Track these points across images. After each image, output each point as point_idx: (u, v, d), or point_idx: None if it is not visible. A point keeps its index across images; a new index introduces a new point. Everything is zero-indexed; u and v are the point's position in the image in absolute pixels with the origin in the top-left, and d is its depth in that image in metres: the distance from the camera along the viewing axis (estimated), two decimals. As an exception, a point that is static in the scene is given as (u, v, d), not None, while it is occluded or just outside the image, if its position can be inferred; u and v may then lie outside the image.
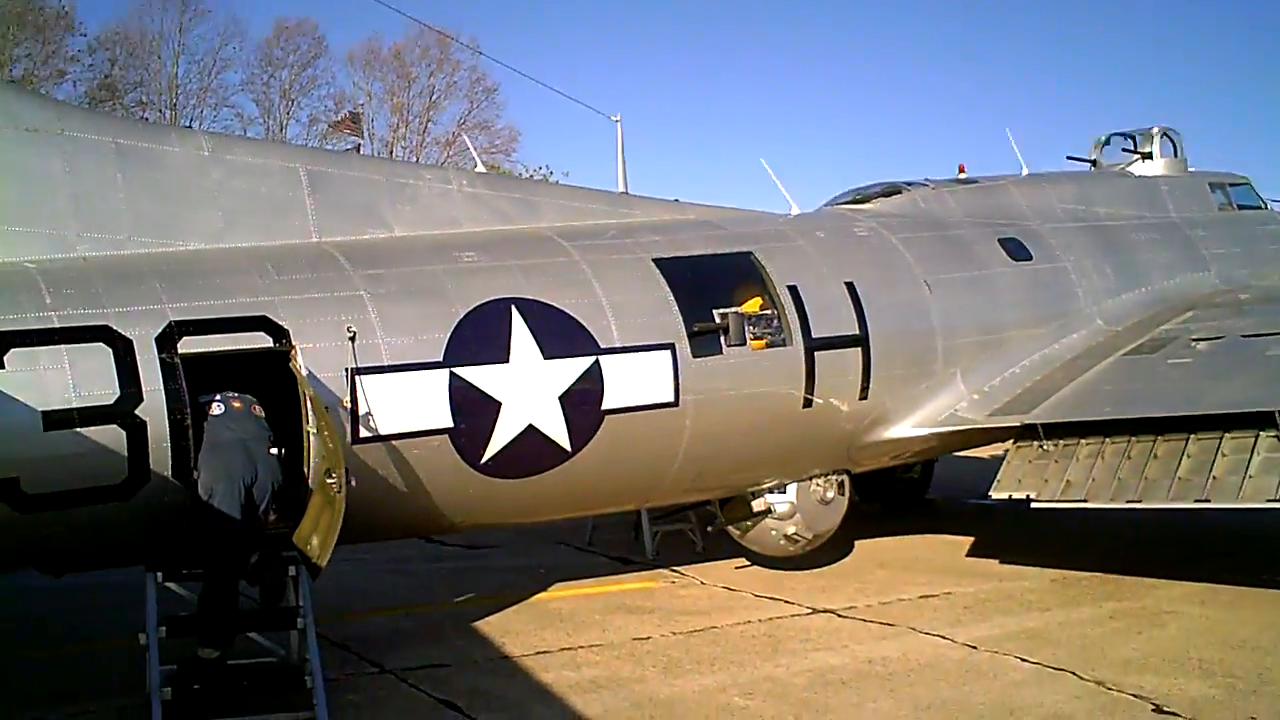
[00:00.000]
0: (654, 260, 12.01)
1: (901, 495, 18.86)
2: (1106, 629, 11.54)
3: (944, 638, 11.35)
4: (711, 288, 12.34)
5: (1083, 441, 12.84)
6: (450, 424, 10.32)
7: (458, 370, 10.37)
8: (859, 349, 13.04)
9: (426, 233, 11.30)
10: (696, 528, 15.33)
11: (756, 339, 12.45)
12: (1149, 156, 18.49)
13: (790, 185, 14.73)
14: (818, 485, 13.55)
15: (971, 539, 15.85)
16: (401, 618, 12.33)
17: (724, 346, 12.00)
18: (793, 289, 12.70)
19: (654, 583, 14.00)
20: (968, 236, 15.05)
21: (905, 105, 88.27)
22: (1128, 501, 12.16)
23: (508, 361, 10.65)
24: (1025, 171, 17.11)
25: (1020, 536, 15.07)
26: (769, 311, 12.58)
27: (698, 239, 12.73)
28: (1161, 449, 12.29)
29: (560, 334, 10.98)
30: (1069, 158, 18.90)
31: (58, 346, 9.05)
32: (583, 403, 11.01)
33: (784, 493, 13.44)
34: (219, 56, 53.65)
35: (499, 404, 10.56)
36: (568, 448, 10.98)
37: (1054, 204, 16.55)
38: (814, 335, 12.69)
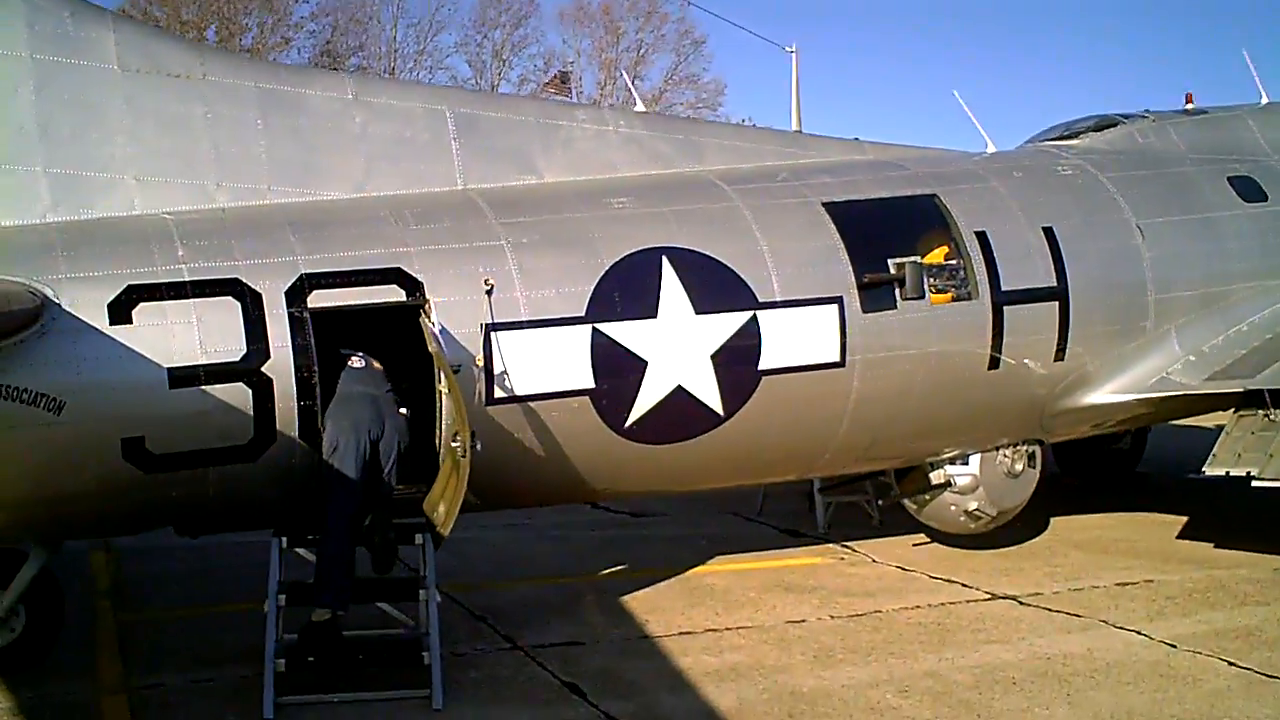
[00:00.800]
0: (824, 205, 10.89)
1: (1108, 468, 17.17)
2: (1335, 629, 10.01)
3: (1139, 633, 10.04)
4: (887, 234, 11.14)
5: None
6: (591, 384, 9.54)
7: (601, 326, 9.56)
8: (1056, 303, 11.62)
9: (579, 178, 10.46)
10: (873, 499, 14.18)
11: (937, 292, 11.21)
12: None
13: (990, 126, 13.26)
14: (1005, 456, 12.24)
15: (1185, 519, 14.25)
16: (548, 589, 11.72)
17: (899, 300, 10.81)
18: (981, 235, 11.37)
19: (821, 558, 13.01)
20: (1191, 175, 13.30)
21: (1125, 31, 79.09)
22: (1370, 483, 10.49)
23: (656, 317, 9.78)
24: (1265, 100, 15.06)
25: (1245, 518, 13.39)
26: (953, 261, 11.31)
27: (875, 180, 11.52)
28: None
29: (714, 286, 10.03)
30: None
31: (187, 300, 8.66)
32: (737, 362, 10.06)
33: (966, 464, 12.18)
34: (435, 19, 54.05)
35: (645, 363, 9.71)
36: (720, 411, 10.07)
37: (1294, 137, 14.50)
38: (1004, 288, 11.34)
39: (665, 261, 9.89)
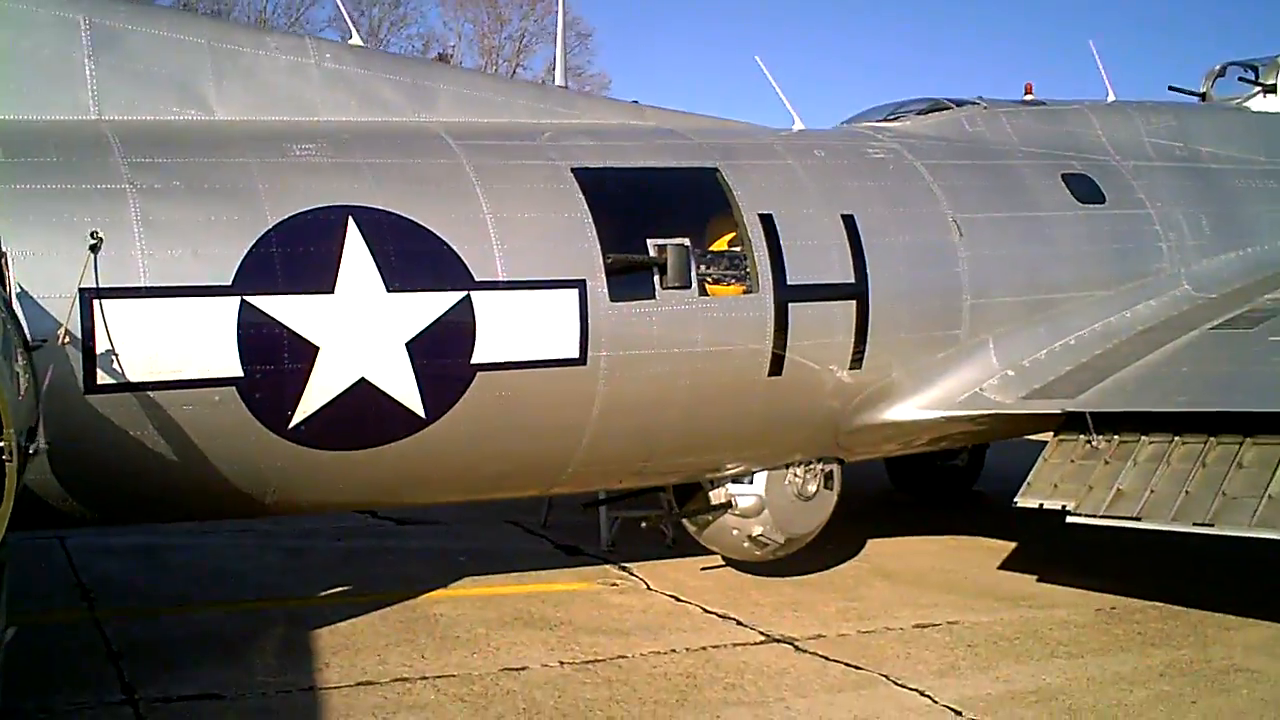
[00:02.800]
0: (574, 170, 8.85)
1: (942, 485, 15.48)
2: (1152, 692, 8.32)
3: (922, 694, 8.22)
4: (651, 210, 9.21)
5: (1145, 439, 9.51)
6: (239, 372, 7.37)
7: (254, 300, 7.41)
8: (853, 303, 9.75)
9: (264, 118, 8.29)
10: (667, 515, 12.17)
11: (710, 282, 9.29)
12: (1272, 90, 14.62)
13: (807, 109, 11.33)
14: (796, 476, 10.36)
15: (1011, 545, 12.65)
16: (237, 616, 9.50)
17: (658, 289, 8.82)
18: (766, 219, 9.45)
19: (588, 583, 10.98)
20: (1021, 169, 11.58)
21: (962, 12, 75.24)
22: (1196, 525, 8.81)
23: (332, 291, 7.65)
24: (1111, 97, 13.44)
25: (1075, 548, 11.70)
26: (730, 247, 9.39)
27: (645, 148, 9.53)
28: (1250, 455, 8.92)
29: (416, 258, 7.95)
30: (1171, 89, 15.14)
31: None
32: (442, 353, 7.99)
33: (751, 483, 10.27)
34: (309, -10, 51.06)
35: (315, 348, 7.59)
36: (420, 412, 7.98)
37: (1142, 137, 12.93)
38: (790, 281, 9.43)
39: (351, 224, 7.78)
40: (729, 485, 10.31)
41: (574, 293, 8.47)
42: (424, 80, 9.08)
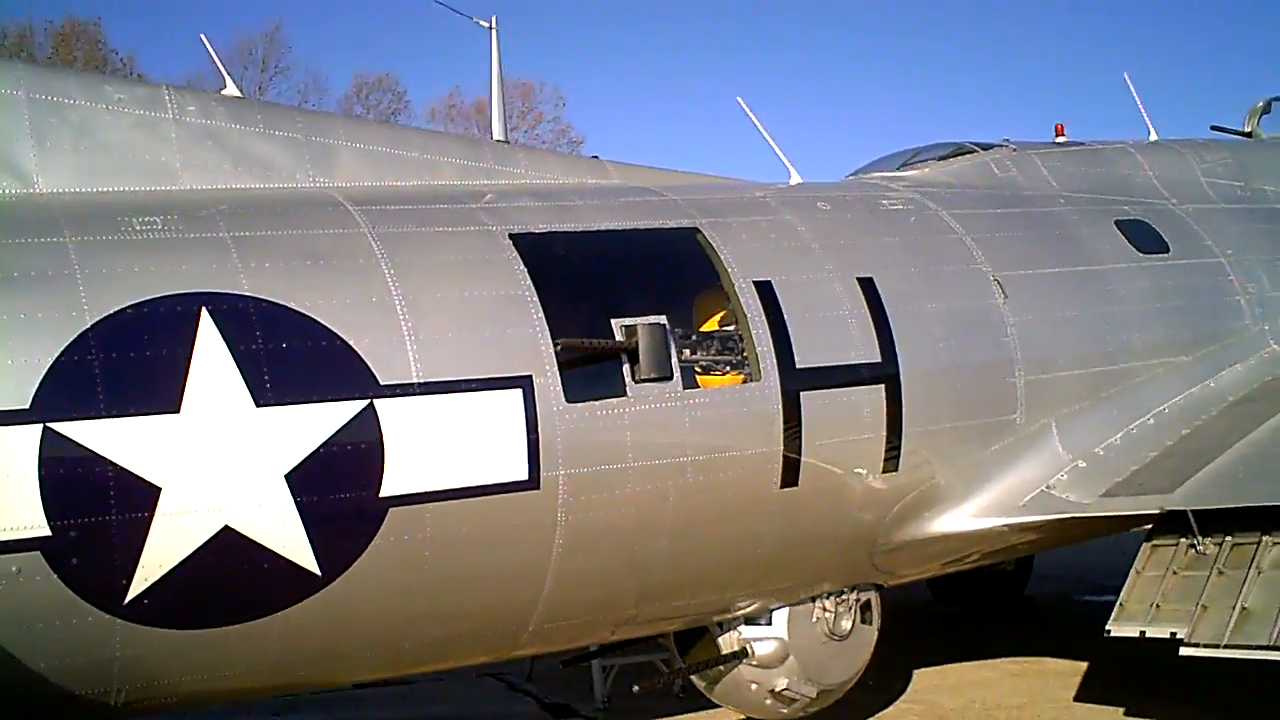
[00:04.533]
0: (512, 236, 6.80)
1: (990, 594, 13.14)
2: None
3: None
4: (615, 283, 7.13)
5: (1267, 539, 7.32)
6: (45, 530, 5.21)
7: (63, 428, 5.27)
8: (881, 386, 7.61)
9: (104, 188, 6.27)
10: (672, 660, 9.77)
11: (697, 370, 7.20)
12: (1330, 123, 12.70)
13: (803, 169, 9.31)
14: (824, 611, 8.14)
15: (1084, 666, 10.29)
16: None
17: (629, 382, 6.70)
18: (763, 287, 7.38)
19: (577, 757, 8.64)
20: (1068, 216, 9.55)
21: (983, 60, 65.98)
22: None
23: (177, 410, 5.52)
24: (1153, 136, 11.49)
25: (1163, 665, 9.39)
26: (720, 324, 7.32)
27: (604, 207, 7.50)
28: None
29: (296, 359, 5.84)
30: (1214, 128, 13.20)
31: None
32: (339, 485, 5.83)
33: (769, 624, 8.02)
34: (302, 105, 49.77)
35: (155, 490, 5.43)
36: (311, 567, 5.79)
37: (1198, 177, 10.97)
38: (800, 363, 7.31)
39: (205, 317, 5.68)
40: (741, 628, 8.07)
41: (516, 394, 6.35)
42: (318, 135, 7.07)
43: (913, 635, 11.74)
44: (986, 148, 10.16)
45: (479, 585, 6.43)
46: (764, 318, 7.27)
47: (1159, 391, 9.09)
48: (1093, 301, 9.00)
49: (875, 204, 8.71)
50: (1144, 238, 9.70)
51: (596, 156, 8.37)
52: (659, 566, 7.05)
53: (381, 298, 6.21)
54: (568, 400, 6.48)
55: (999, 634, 11.86)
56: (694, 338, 7.27)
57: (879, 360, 7.65)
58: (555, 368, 6.48)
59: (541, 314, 6.56)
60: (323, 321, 5.97)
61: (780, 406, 7.19)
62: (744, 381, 7.22)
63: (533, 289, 6.62)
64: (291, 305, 5.94)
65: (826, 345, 7.48)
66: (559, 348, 6.49)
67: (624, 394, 6.70)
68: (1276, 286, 10.24)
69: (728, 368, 7.31)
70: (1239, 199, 10.98)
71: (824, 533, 7.67)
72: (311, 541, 5.78)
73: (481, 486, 6.22)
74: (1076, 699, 9.70)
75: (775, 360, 7.22)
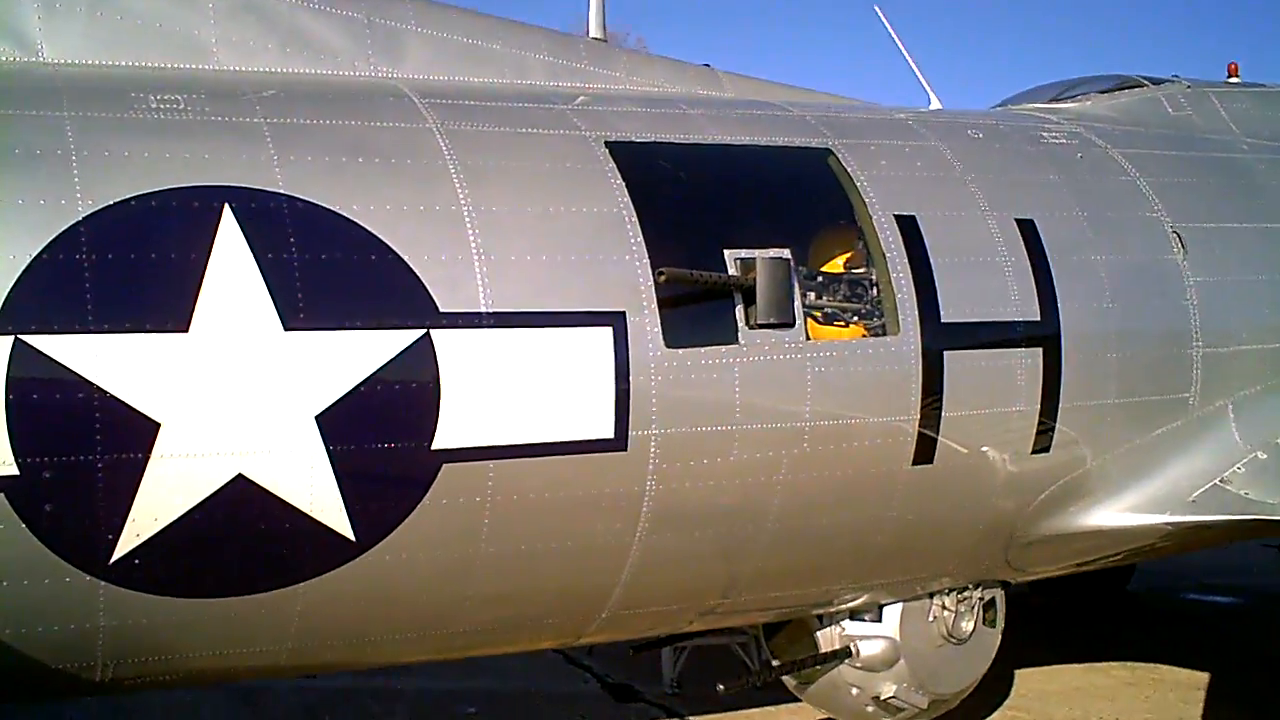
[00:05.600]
0: (609, 145, 5.54)
1: (1091, 587, 11.71)
2: None
3: None
4: (731, 207, 5.84)
5: None
6: (13, 469, 4.12)
7: (38, 341, 4.16)
8: (1039, 350, 6.28)
9: (112, 61, 5.11)
10: (752, 644, 8.50)
11: (821, 317, 5.92)
12: None
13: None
14: (944, 610, 6.87)
15: (1206, 678, 9.06)
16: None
17: (741, 327, 5.44)
18: (907, 223, 6.06)
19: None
20: (1254, 165, 8.07)
21: None
22: None
23: (185, 328, 4.38)
24: (1341, 82, 9.86)
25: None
26: (852, 264, 6.03)
27: (722, 119, 6.20)
28: None
29: (337, 275, 4.66)
30: None
31: None
32: (384, 433, 4.66)
33: (879, 620, 6.77)
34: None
35: (153, 426, 4.30)
36: (345, 531, 4.64)
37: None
38: (945, 318, 6.00)
39: (228, 215, 4.51)
40: (846, 623, 6.84)
41: (605, 333, 5.12)
42: (384, 17, 5.85)
43: (1011, 628, 10.49)
44: (1156, 82, 8.64)
45: (547, 563, 5.25)
46: (905, 259, 5.95)
47: (1351, 376, 7.63)
48: (1281, 265, 7.54)
49: (1035, 136, 7.29)
50: (1341, 196, 8.17)
51: (709, 65, 7.06)
52: (760, 551, 5.81)
53: (447, 206, 5.00)
54: (667, 345, 5.24)
55: (1104, 633, 10.56)
56: (821, 279, 5.97)
57: (1038, 319, 6.30)
58: (654, 304, 5.24)
59: (641, 238, 5.31)
60: (373, 230, 4.78)
61: (920, 367, 5.89)
62: (877, 334, 5.92)
63: (631, 208, 5.36)
64: (335, 209, 4.76)
65: (978, 297, 6.15)
66: (661, 280, 5.24)
67: (735, 341, 5.44)
68: None
69: (858, 317, 6.02)
70: None
71: (958, 520, 6.38)
72: (345, 499, 4.64)
73: (556, 444, 5.02)
74: (1205, 717, 8.42)
75: (917, 311, 5.91)
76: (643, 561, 5.46)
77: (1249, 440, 7.12)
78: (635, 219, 5.34)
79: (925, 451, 5.98)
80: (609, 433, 5.12)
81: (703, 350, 5.34)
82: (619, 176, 5.45)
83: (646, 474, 5.24)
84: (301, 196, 4.72)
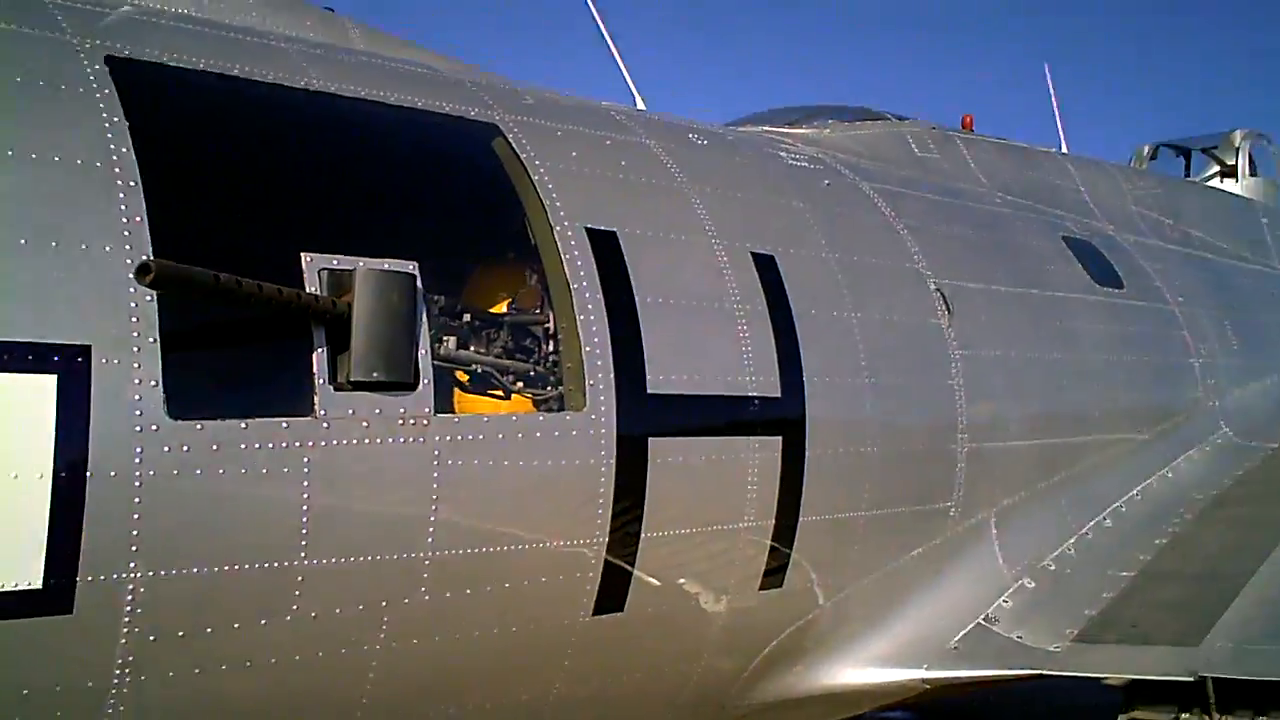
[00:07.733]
0: (110, 60, 3.05)
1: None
2: None
3: None
4: (323, 186, 3.49)
5: None
6: None
7: None
8: (777, 439, 4.28)
9: None
10: None
11: (463, 378, 3.67)
12: (1231, 174, 10.45)
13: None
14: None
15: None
16: None
17: (319, 385, 3.09)
18: (605, 240, 3.91)
19: None
20: (1011, 221, 6.57)
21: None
22: None
23: None
24: (1065, 148, 8.77)
25: None
26: (519, 298, 3.84)
27: (324, 61, 3.83)
28: None
29: None
30: (1164, 145, 11.12)
31: None
32: None
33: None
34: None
35: None
36: None
37: (1129, 206, 8.34)
38: (652, 386, 3.86)
39: None
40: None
41: (46, 383, 2.62)
42: None
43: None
44: (900, 119, 7.05)
45: None
46: (600, 294, 3.81)
47: (1114, 480, 6.26)
48: (1049, 340, 6.00)
49: (773, 154, 5.40)
50: (1097, 265, 6.84)
51: (332, 10, 4.69)
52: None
53: None
54: (170, 414, 2.81)
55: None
56: (467, 315, 3.71)
57: (778, 394, 4.31)
58: (154, 336, 2.80)
59: (143, 214, 2.87)
60: None
61: (613, 462, 3.73)
62: (552, 409, 3.72)
63: (133, 161, 2.93)
64: None
65: (701, 358, 4.08)
66: (148, 280, 2.81)
67: (309, 411, 3.07)
68: (1225, 353, 7.64)
69: (522, 381, 3.79)
70: (1170, 239, 8.39)
71: (654, 692, 4.23)
72: None
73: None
74: None
75: (613, 374, 3.76)
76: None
77: (1014, 564, 5.48)
78: (137, 178, 2.90)
79: (614, 592, 3.81)
80: (36, 582, 2.61)
81: (243, 426, 2.93)
82: (119, 109, 2.99)
83: (111, 657, 2.75)
84: None
